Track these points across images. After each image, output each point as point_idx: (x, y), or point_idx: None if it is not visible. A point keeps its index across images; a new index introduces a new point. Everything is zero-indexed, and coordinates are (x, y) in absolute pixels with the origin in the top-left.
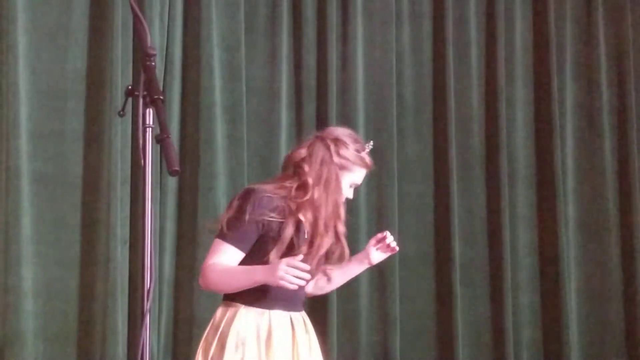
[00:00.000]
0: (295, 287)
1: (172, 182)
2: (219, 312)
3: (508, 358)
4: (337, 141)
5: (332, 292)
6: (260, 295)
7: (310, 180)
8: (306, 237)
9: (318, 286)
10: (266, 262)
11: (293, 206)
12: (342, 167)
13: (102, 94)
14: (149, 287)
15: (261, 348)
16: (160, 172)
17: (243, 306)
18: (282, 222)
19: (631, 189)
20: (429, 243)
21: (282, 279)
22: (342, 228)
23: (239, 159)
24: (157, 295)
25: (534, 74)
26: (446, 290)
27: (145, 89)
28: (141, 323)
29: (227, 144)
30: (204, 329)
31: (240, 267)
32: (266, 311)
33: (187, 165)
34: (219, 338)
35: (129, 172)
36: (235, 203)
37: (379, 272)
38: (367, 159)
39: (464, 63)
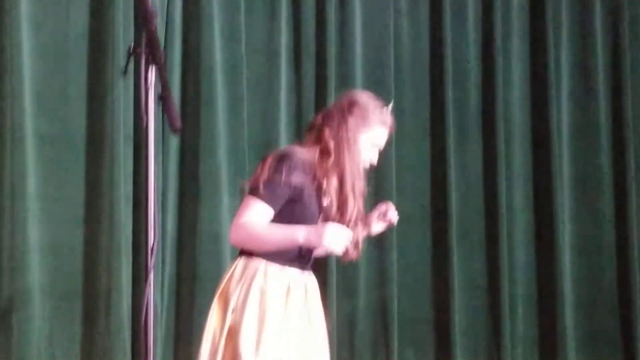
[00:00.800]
0: (340, 252)
1: (174, 142)
2: (240, 265)
3: (503, 314)
4: (354, 102)
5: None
6: (281, 252)
7: (331, 144)
8: (332, 202)
9: None
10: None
11: (319, 171)
12: (360, 127)
13: (104, 53)
14: (153, 244)
15: (282, 303)
16: (163, 132)
17: (265, 261)
18: (311, 186)
19: (625, 146)
20: (426, 200)
21: (329, 243)
22: (364, 191)
23: (239, 119)
24: (160, 253)
25: (530, 33)
26: (443, 246)
27: (147, 48)
28: (145, 280)
29: (227, 105)
30: (207, 286)
31: (279, 226)
32: (285, 267)
33: (188, 125)
34: (241, 290)
35: (131, 131)
36: (271, 164)
37: None
38: (386, 117)
39: (461, 23)
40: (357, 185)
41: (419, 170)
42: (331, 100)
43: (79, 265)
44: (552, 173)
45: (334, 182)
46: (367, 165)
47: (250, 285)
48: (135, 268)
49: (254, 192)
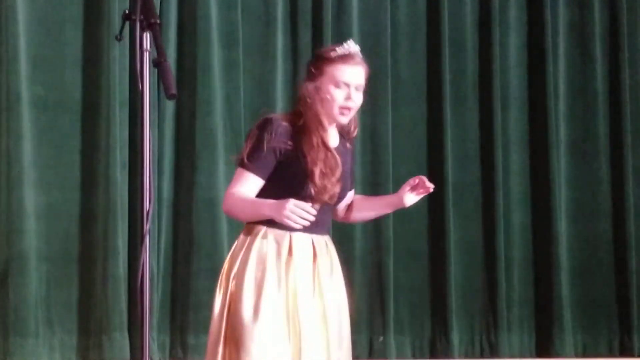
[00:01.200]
0: (299, 226)
1: (169, 107)
2: (244, 231)
3: (499, 277)
4: (312, 57)
5: None
6: None
7: (299, 105)
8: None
9: (347, 212)
10: (284, 189)
11: (296, 134)
12: (318, 77)
13: (99, 19)
14: (148, 209)
15: (281, 265)
16: (158, 96)
17: (266, 227)
18: (294, 150)
19: (622, 111)
20: (422, 165)
21: (287, 217)
22: (326, 139)
23: (235, 84)
24: (156, 217)
25: None
26: (439, 211)
27: (142, 13)
28: (141, 244)
29: (223, 70)
30: (203, 251)
31: (252, 199)
32: (287, 233)
33: (184, 90)
34: (242, 255)
35: (127, 95)
36: (254, 132)
37: (372, 193)
38: (340, 51)
39: None
40: (323, 138)
41: (416, 135)
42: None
43: (75, 229)
44: (548, 137)
45: (305, 140)
46: (340, 108)
47: (250, 250)
48: (131, 232)
49: (241, 162)
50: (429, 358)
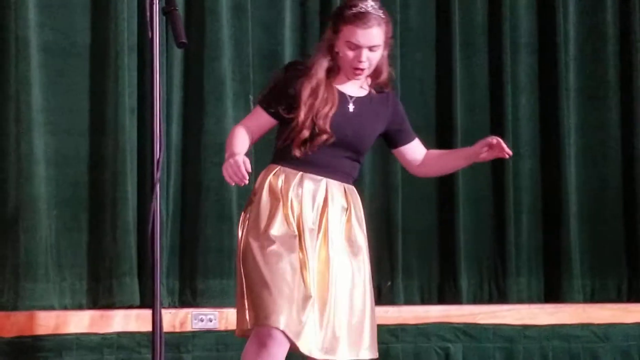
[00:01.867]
0: (231, 182)
1: (178, 52)
2: (261, 175)
3: (508, 222)
4: (333, 11)
5: None
6: (294, 158)
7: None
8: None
9: (420, 166)
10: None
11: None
12: (336, 32)
13: None
14: (159, 158)
15: (290, 196)
16: (167, 42)
17: (280, 166)
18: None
19: (632, 55)
20: (431, 112)
21: (224, 170)
22: (313, 84)
23: (244, 29)
24: (165, 163)
25: None
26: None
27: None
28: (151, 193)
29: (231, 13)
30: (211, 196)
31: (233, 139)
32: (299, 172)
33: (192, 35)
34: (256, 190)
35: (135, 41)
36: (276, 72)
37: (381, 142)
38: (355, 10)
39: None
40: (310, 82)
41: (425, 83)
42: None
43: (85, 175)
44: (558, 83)
45: (306, 84)
46: (352, 68)
47: (264, 184)
48: (140, 178)
49: (257, 98)
50: (438, 303)
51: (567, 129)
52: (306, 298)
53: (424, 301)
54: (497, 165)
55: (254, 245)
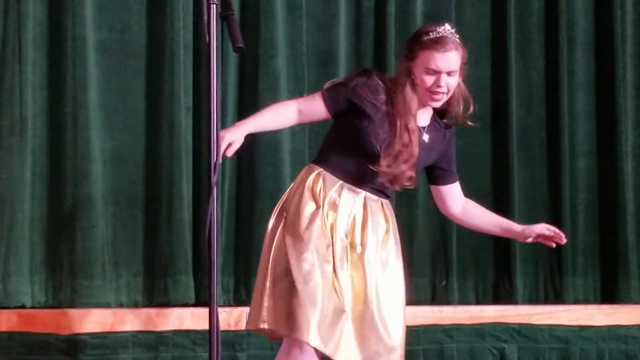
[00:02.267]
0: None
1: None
2: (302, 172)
3: (564, 221)
4: (409, 37)
5: None
6: (336, 166)
7: (398, 79)
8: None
9: (463, 216)
10: (351, 139)
11: (388, 100)
12: (413, 59)
13: None
14: (216, 162)
15: (327, 203)
16: (222, 40)
17: (321, 169)
18: (374, 108)
19: None
20: (486, 107)
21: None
22: (411, 125)
23: (298, 28)
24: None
25: None
26: (503, 153)
27: None
28: (208, 196)
29: (286, 13)
30: (266, 194)
31: (264, 111)
32: (339, 182)
33: (248, 34)
34: (297, 187)
35: (191, 40)
36: (351, 73)
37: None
38: (432, 36)
39: None
40: (400, 120)
41: (480, 78)
42: (390, 7)
43: (141, 173)
44: (615, 80)
45: (391, 111)
46: (431, 93)
47: (304, 187)
48: (195, 176)
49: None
50: (493, 303)
51: (624, 126)
52: (339, 311)
53: (479, 301)
54: (553, 164)
55: (290, 246)
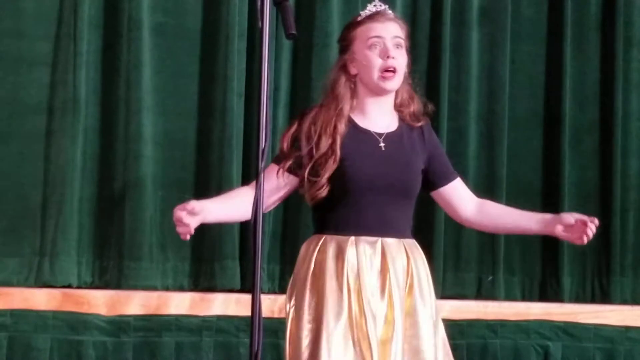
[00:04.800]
0: (182, 235)
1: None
2: (304, 246)
3: (614, 220)
4: (340, 34)
5: None
6: (342, 220)
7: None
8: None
9: (480, 217)
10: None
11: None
12: (351, 43)
13: None
14: (264, 147)
15: (343, 283)
16: (277, 27)
17: (326, 235)
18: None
19: None
20: (539, 103)
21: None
22: (341, 128)
23: (353, 15)
24: (270, 147)
25: None
26: (555, 150)
27: None
28: (256, 183)
29: (342, 2)
30: None
31: (220, 196)
32: (350, 237)
33: (302, 22)
34: (302, 272)
35: (246, 25)
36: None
37: (488, 132)
38: (365, 13)
39: None
40: (338, 123)
41: (534, 75)
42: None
43: (191, 156)
44: None
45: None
46: (382, 71)
47: (310, 264)
48: (245, 161)
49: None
50: (539, 300)
51: None
52: None
53: (525, 297)
54: (605, 160)
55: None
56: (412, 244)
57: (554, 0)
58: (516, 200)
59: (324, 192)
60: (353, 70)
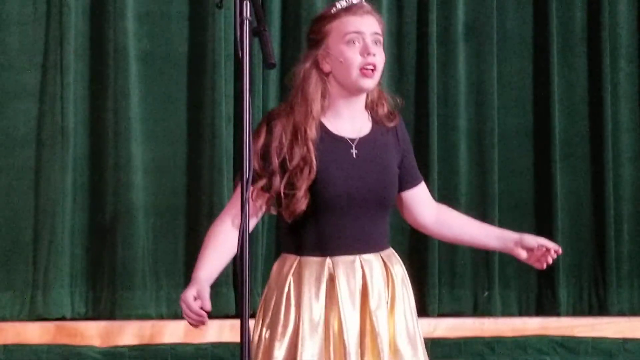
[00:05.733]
0: (196, 327)
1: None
2: (275, 266)
3: (608, 232)
4: (310, 25)
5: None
6: (316, 238)
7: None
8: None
9: (438, 225)
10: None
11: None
12: (324, 38)
13: None
14: (248, 178)
15: (320, 305)
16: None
17: (299, 255)
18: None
19: None
20: (529, 118)
21: (183, 313)
22: (312, 134)
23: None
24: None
25: None
26: (546, 165)
27: None
28: (241, 212)
29: None
30: None
31: (204, 251)
32: (327, 259)
33: (289, 48)
34: (277, 293)
35: (232, 50)
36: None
37: (478, 148)
38: (340, 10)
39: None
40: (308, 128)
41: (522, 89)
42: (432, 15)
43: (182, 183)
44: None
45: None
46: (361, 69)
47: (281, 292)
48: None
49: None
50: (535, 315)
51: None
52: None
53: (522, 313)
54: (597, 173)
55: None
56: (390, 254)
57: (539, 14)
58: (510, 215)
59: (303, 204)
60: (326, 68)
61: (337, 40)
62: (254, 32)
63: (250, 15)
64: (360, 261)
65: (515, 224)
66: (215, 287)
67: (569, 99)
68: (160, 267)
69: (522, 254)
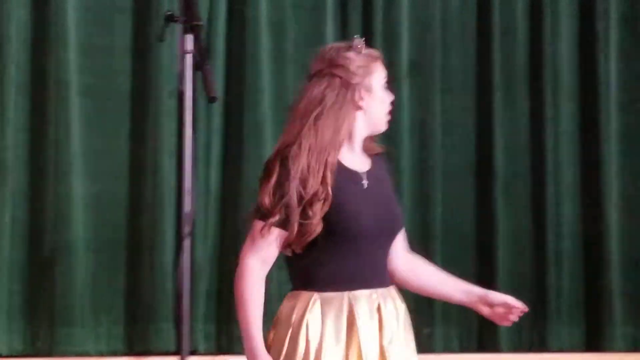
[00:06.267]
0: None
1: (219, 96)
2: (286, 304)
3: (548, 268)
4: (333, 61)
5: None
6: (332, 273)
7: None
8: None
9: (408, 271)
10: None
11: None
12: (365, 76)
13: (149, 7)
14: (188, 212)
15: (341, 347)
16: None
17: (315, 291)
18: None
19: None
20: (471, 155)
21: None
22: (332, 160)
23: (284, 75)
24: (203, 207)
25: None
26: (487, 201)
27: (185, 15)
28: (179, 248)
29: (272, 60)
30: None
31: (252, 315)
32: (345, 293)
33: (233, 80)
34: (292, 333)
35: (175, 85)
36: (272, 168)
37: (420, 185)
38: (372, 52)
39: None
40: (329, 157)
41: (465, 126)
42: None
43: (123, 218)
44: (599, 129)
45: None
46: (386, 114)
47: (300, 328)
48: (178, 221)
49: (259, 213)
50: (477, 351)
51: (608, 175)
52: None
53: (463, 349)
54: (538, 209)
55: None
56: (393, 288)
57: (482, 52)
58: (451, 252)
59: (318, 229)
60: (361, 103)
61: (379, 82)
62: (196, 67)
63: (194, 49)
64: (377, 296)
65: (457, 258)
66: (156, 322)
67: (511, 137)
68: (99, 303)
69: (485, 310)
